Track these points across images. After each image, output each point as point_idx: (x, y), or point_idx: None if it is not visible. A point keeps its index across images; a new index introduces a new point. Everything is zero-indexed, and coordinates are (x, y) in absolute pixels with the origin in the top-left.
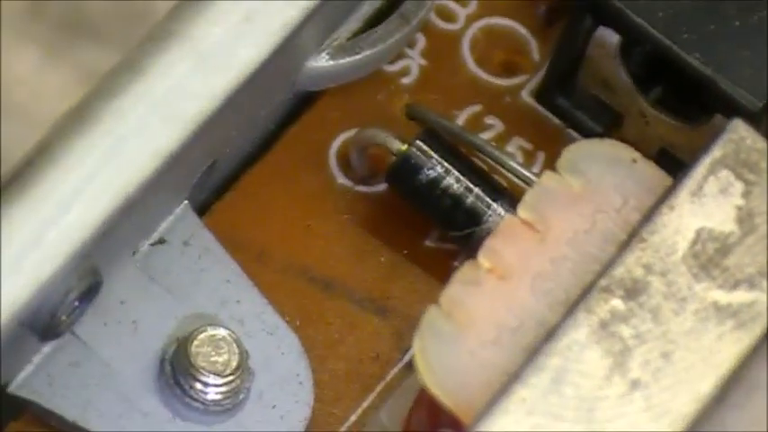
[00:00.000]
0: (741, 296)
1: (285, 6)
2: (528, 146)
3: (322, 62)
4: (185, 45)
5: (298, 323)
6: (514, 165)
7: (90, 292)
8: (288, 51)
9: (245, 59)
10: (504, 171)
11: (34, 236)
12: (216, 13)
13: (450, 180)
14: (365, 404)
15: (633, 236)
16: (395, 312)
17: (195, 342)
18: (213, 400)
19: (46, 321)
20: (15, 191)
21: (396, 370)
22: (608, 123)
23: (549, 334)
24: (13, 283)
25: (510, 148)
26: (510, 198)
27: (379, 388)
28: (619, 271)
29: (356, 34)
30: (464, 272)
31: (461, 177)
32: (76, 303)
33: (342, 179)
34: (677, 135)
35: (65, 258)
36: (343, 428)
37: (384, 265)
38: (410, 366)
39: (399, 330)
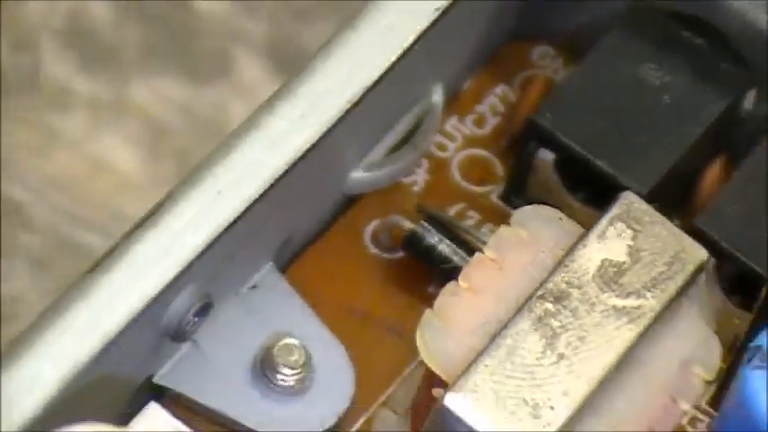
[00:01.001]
0: (632, 302)
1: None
2: (496, 229)
3: (360, 174)
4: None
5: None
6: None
7: (205, 309)
8: (329, 166)
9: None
10: (480, 245)
11: (163, 251)
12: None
13: (443, 246)
14: (382, 398)
15: (559, 264)
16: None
17: (276, 347)
18: (288, 386)
19: (174, 327)
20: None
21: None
22: None
23: (504, 326)
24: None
25: (484, 230)
26: None
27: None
28: (550, 285)
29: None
30: (449, 288)
31: (451, 243)
32: (195, 319)
33: (374, 249)
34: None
35: (182, 269)
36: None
37: (403, 302)
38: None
39: (411, 345)
